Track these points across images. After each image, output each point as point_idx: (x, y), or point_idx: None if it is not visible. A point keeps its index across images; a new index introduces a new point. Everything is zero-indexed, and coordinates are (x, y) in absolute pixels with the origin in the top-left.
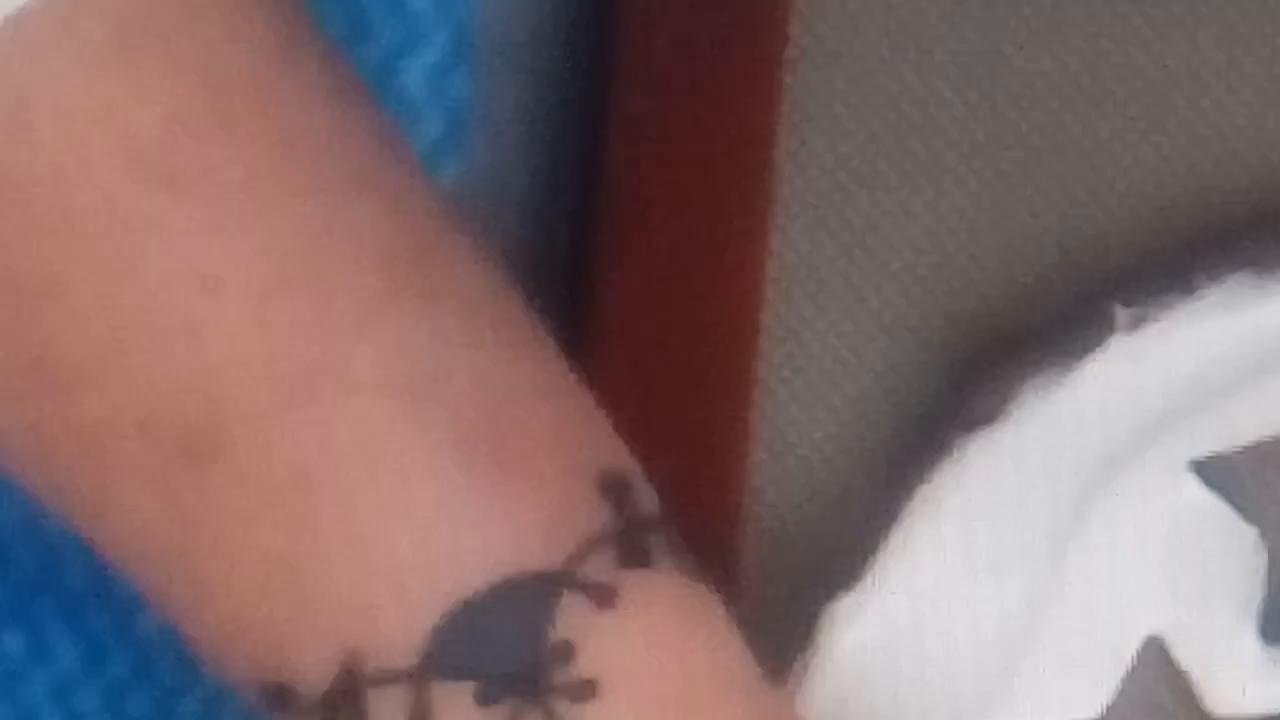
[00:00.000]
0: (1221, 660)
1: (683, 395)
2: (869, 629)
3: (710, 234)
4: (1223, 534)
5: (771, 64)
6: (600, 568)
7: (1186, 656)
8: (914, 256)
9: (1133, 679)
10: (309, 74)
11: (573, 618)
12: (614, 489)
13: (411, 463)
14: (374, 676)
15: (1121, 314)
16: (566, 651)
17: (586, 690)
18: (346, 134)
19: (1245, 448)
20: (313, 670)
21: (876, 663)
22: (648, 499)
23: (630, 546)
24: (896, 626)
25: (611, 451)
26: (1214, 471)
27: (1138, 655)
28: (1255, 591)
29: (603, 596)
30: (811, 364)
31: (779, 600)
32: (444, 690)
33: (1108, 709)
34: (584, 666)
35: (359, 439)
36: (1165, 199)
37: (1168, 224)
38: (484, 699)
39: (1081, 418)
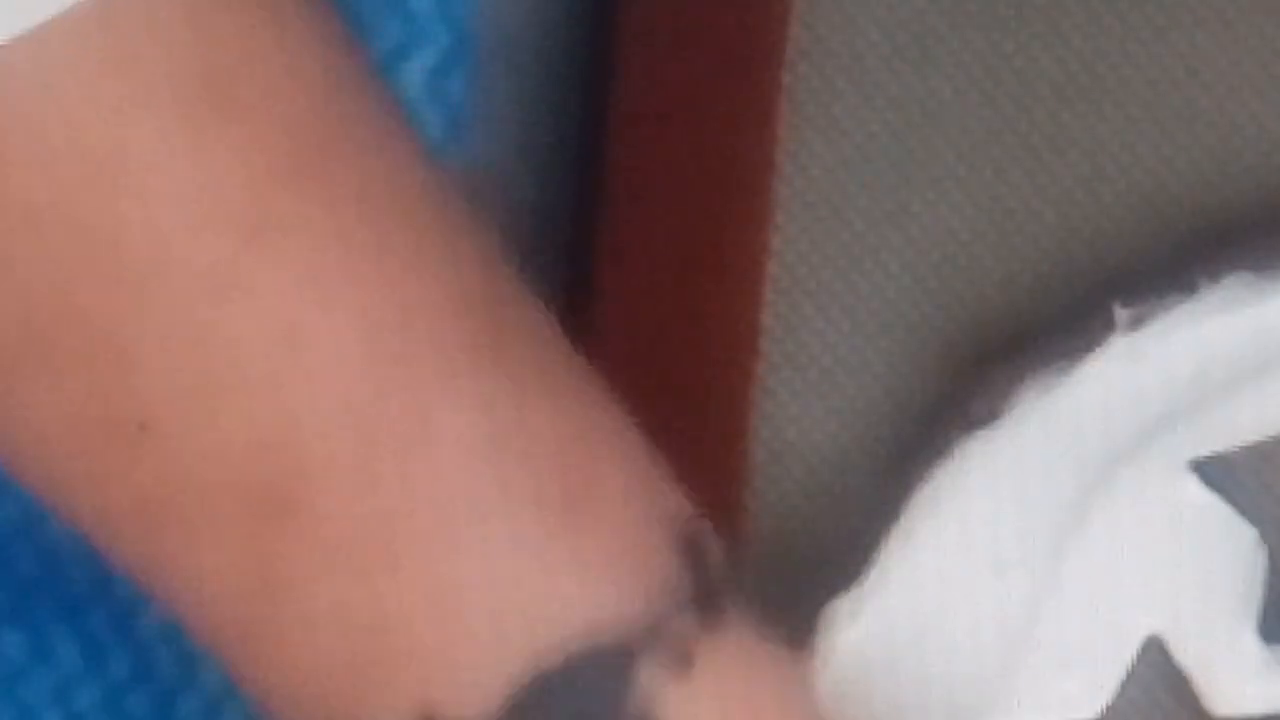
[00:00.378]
0: (1221, 660)
1: (683, 395)
2: (869, 628)
3: (710, 234)
4: (1223, 534)
5: (771, 64)
6: (680, 631)
7: (1186, 656)
8: (914, 256)
9: (1133, 679)
10: (376, 118)
11: (651, 686)
12: (691, 547)
13: (491, 517)
14: None
15: (1121, 314)
16: None
17: None
18: (413, 179)
19: (1245, 448)
20: None
21: (876, 662)
22: (718, 552)
23: (708, 608)
24: (896, 626)
25: (682, 504)
26: (1214, 471)
27: (1138, 655)
28: (1255, 591)
29: (681, 664)
30: (811, 364)
31: (779, 600)
32: None
33: (1108, 709)
34: None
35: (438, 493)
36: (1165, 199)
37: (1168, 224)
38: None
39: (1081, 418)
